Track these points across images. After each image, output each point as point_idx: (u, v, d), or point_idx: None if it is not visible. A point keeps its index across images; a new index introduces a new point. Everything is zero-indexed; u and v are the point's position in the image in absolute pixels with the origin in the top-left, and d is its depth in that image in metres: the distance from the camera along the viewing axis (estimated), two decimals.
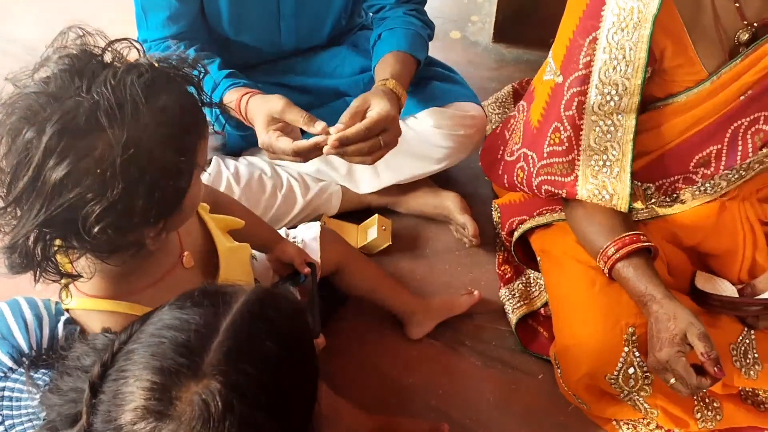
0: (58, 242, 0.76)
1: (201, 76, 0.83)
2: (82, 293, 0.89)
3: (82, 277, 0.83)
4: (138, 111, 0.72)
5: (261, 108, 1.19)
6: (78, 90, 0.71)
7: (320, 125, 1.12)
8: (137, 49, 0.80)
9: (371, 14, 1.52)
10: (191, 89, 0.82)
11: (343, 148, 1.12)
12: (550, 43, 1.23)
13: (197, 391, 0.60)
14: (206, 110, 0.85)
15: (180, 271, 0.96)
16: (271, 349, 0.66)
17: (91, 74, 0.73)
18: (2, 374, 0.87)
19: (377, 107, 1.16)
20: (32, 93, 0.72)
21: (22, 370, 0.86)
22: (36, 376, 0.85)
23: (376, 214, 1.60)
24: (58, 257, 0.79)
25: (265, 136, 1.16)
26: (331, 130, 1.13)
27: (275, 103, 1.17)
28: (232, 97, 1.24)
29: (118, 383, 0.63)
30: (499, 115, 1.84)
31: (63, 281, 0.80)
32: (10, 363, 0.87)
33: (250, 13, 1.41)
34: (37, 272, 0.77)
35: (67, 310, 0.90)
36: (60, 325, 0.90)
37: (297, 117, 1.14)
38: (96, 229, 0.71)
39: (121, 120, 0.71)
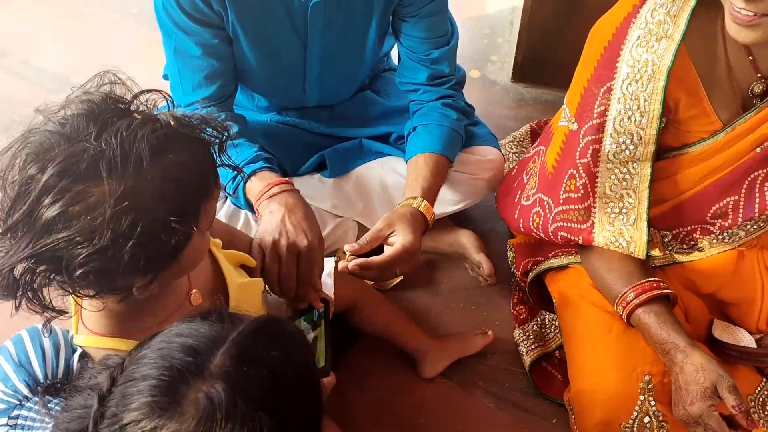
0: (45, 273, 0.76)
1: (223, 138, 0.83)
2: (88, 330, 0.89)
3: (66, 312, 0.83)
4: (140, 166, 0.72)
5: (309, 211, 1.20)
6: (88, 136, 0.73)
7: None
8: (166, 101, 0.82)
9: (408, 93, 1.48)
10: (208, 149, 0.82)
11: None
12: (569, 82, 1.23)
13: (203, 389, 0.62)
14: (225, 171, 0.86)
15: (188, 309, 0.96)
16: (276, 358, 0.67)
17: (105, 122, 0.74)
18: (18, 402, 0.87)
19: (402, 238, 1.18)
20: (47, 131, 0.74)
21: (37, 399, 0.86)
22: (49, 405, 0.85)
23: None
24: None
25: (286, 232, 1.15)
26: (347, 247, 1.15)
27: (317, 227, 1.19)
28: (270, 177, 1.24)
29: (126, 386, 0.64)
30: (517, 154, 1.85)
31: (45, 314, 0.80)
32: (25, 391, 0.88)
33: (276, 75, 1.42)
34: (21, 301, 0.77)
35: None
36: (75, 356, 0.91)
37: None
38: (79, 272, 0.72)
39: (121, 172, 0.72)
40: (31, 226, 0.71)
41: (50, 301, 0.79)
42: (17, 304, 0.77)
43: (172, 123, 0.77)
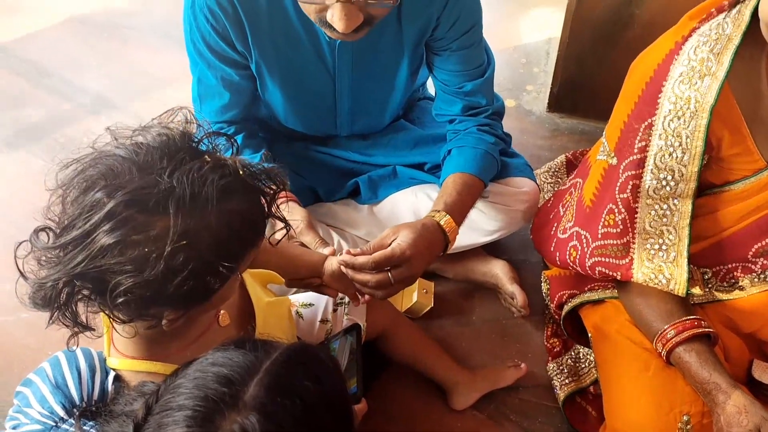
0: (85, 292, 0.78)
1: (278, 190, 0.86)
2: (120, 354, 0.91)
3: (94, 330, 0.84)
4: (206, 209, 0.75)
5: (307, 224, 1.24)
6: (161, 171, 0.75)
7: (329, 249, 1.17)
8: (232, 147, 0.85)
9: (446, 124, 1.48)
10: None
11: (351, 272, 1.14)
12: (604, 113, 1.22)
13: (237, 420, 0.62)
14: None
15: (216, 329, 0.97)
16: (309, 388, 0.68)
17: (180, 160, 0.76)
18: (53, 424, 0.88)
19: (397, 242, 1.15)
20: (119, 156, 0.76)
21: (72, 421, 0.87)
22: (84, 428, 0.86)
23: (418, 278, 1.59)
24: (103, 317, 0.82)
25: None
26: (344, 255, 1.13)
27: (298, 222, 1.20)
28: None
29: (162, 415, 0.65)
30: (552, 185, 1.84)
31: (75, 329, 0.81)
32: (62, 413, 0.89)
33: (306, 110, 1.44)
34: (54, 315, 0.78)
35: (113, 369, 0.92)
36: (110, 378, 0.91)
37: (312, 240, 1.19)
38: (121, 299, 0.74)
39: (187, 212, 0.74)
40: (86, 247, 0.73)
41: (85, 318, 0.80)
42: (51, 316, 0.79)
43: (240, 172, 0.80)
